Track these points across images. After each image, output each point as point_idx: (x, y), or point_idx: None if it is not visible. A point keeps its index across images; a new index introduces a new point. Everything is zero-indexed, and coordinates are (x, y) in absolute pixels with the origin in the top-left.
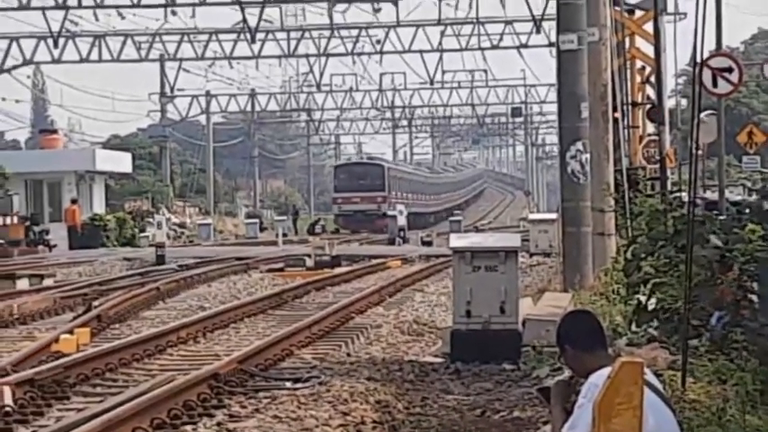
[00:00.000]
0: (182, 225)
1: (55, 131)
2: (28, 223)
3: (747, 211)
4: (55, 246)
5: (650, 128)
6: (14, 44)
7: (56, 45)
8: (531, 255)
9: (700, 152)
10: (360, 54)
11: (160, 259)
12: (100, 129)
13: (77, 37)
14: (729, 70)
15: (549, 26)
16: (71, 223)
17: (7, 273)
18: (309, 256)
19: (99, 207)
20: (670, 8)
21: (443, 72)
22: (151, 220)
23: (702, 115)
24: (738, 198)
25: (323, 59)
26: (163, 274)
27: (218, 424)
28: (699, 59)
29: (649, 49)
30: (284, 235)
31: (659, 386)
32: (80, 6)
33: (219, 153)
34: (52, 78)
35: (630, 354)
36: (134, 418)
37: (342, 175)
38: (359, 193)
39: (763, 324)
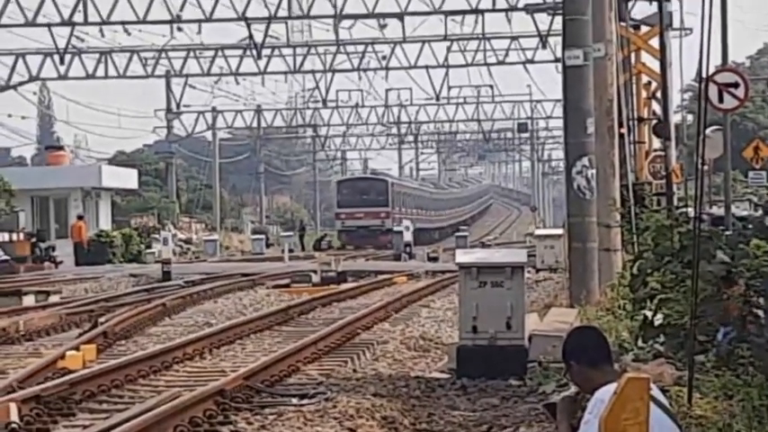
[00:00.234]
0: (188, 241)
1: (61, 148)
2: (34, 240)
3: (751, 226)
4: (61, 262)
5: (656, 143)
6: (21, 60)
7: (62, 61)
8: (538, 270)
9: (706, 167)
10: (366, 70)
11: (166, 275)
12: (106, 145)
13: (83, 53)
14: (735, 85)
15: (555, 42)
16: (77, 239)
17: (14, 289)
18: (315, 271)
19: (105, 223)
20: (676, 23)
21: (449, 88)
22: (157, 236)
23: (708, 130)
24: (744, 213)
25: (329, 75)
26: (169, 290)
27: None
28: (705, 75)
29: (655, 65)
30: (290, 251)
31: (665, 402)
32: (86, 23)
33: (225, 169)
34: (58, 95)
35: (637, 369)
36: None
37: (345, 191)
38: (362, 208)
39: None
